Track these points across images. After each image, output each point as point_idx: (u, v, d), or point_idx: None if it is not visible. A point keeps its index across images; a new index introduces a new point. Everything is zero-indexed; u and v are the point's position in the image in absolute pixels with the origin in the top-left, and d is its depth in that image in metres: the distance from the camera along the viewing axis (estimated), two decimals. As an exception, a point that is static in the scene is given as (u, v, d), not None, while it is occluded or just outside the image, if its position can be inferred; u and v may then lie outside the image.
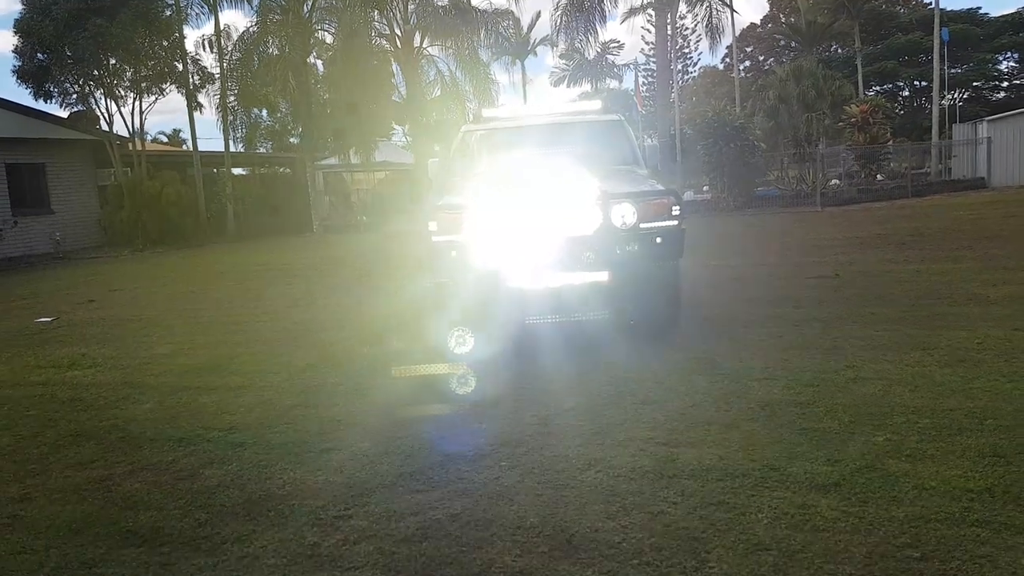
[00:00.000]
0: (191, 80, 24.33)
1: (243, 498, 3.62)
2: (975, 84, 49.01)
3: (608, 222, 5.83)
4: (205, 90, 25.07)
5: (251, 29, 24.48)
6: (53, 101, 22.38)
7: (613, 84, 46.07)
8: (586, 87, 37.85)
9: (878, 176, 26.44)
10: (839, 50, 49.31)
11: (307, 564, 2.95)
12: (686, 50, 57.00)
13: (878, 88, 49.71)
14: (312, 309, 9.31)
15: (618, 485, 3.50)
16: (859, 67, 38.26)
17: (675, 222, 5.99)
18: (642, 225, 5.88)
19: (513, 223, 5.83)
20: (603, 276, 5.85)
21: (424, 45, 25.75)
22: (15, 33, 21.72)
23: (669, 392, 4.90)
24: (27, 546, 3.26)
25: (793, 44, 48.66)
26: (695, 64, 60.23)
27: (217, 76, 24.85)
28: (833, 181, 26.89)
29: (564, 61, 41.87)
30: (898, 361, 5.28)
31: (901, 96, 52.02)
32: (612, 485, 3.50)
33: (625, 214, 5.85)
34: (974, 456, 3.58)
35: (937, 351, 5.48)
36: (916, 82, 48.34)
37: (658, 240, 5.91)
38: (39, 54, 21.40)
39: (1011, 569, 2.62)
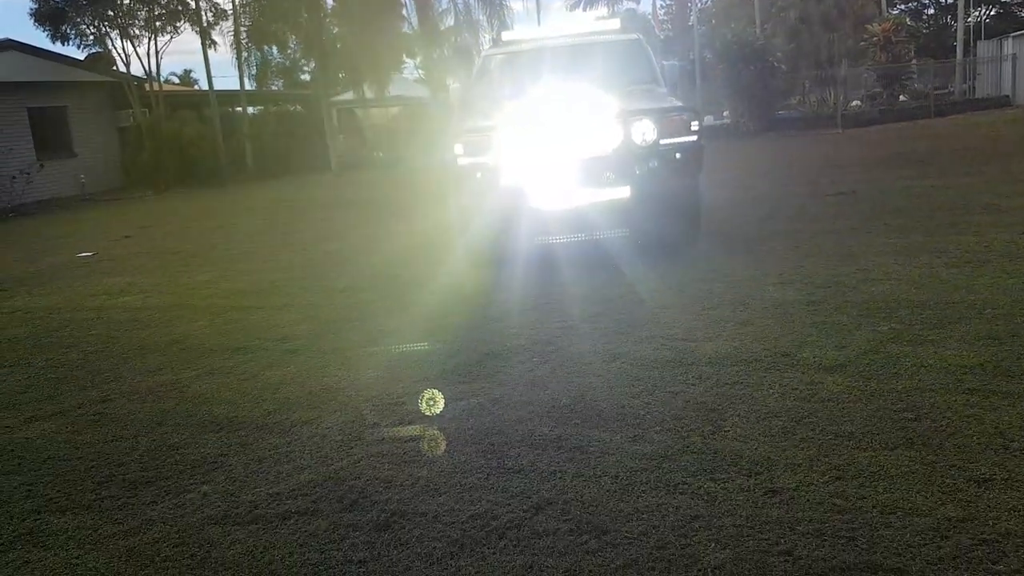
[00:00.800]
0: (204, 17, 24.30)
1: (304, 392, 4.02)
2: (1003, 0, 47.66)
3: (628, 139, 6.07)
4: (218, 27, 25.04)
5: (262, -37, 24.27)
6: (70, 43, 22.62)
7: (630, 6, 45.20)
8: (602, 10, 37.05)
9: (901, 97, 26.11)
10: (861, -32, 47.88)
11: (370, 439, 3.34)
12: (703, -29, 55.52)
13: (902, 6, 48.43)
14: (340, 240, 9.66)
15: (641, 372, 3.85)
16: (881, -16, 37.20)
17: (694, 138, 6.22)
18: (662, 141, 6.12)
19: (536, 143, 6.08)
20: (625, 192, 6.12)
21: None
22: (30, -25, 21.80)
23: (688, 298, 5.22)
24: (117, 435, 3.68)
25: (813, -37, 47.25)
26: (713, -15, 58.68)
27: (230, 12, 24.77)
28: (855, 102, 26.62)
29: (579, -16, 41.00)
30: (907, 263, 5.56)
31: (926, 14, 50.67)
32: (636, 373, 3.85)
33: (645, 131, 6.08)
34: (971, 339, 3.89)
35: (945, 254, 5.75)
36: (941, -1, 47.03)
37: (678, 155, 6.15)
38: (54, -4, 21.49)
39: (993, 423, 2.95)
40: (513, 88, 7.31)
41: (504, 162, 6.11)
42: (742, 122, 23.44)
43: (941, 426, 2.99)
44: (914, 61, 27.65)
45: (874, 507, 2.47)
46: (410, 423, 3.48)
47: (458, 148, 6.25)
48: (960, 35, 26.98)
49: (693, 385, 3.63)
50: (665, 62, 7.51)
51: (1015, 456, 2.71)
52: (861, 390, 3.39)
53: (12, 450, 3.61)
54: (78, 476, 3.25)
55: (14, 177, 19.46)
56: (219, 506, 2.87)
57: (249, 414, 3.78)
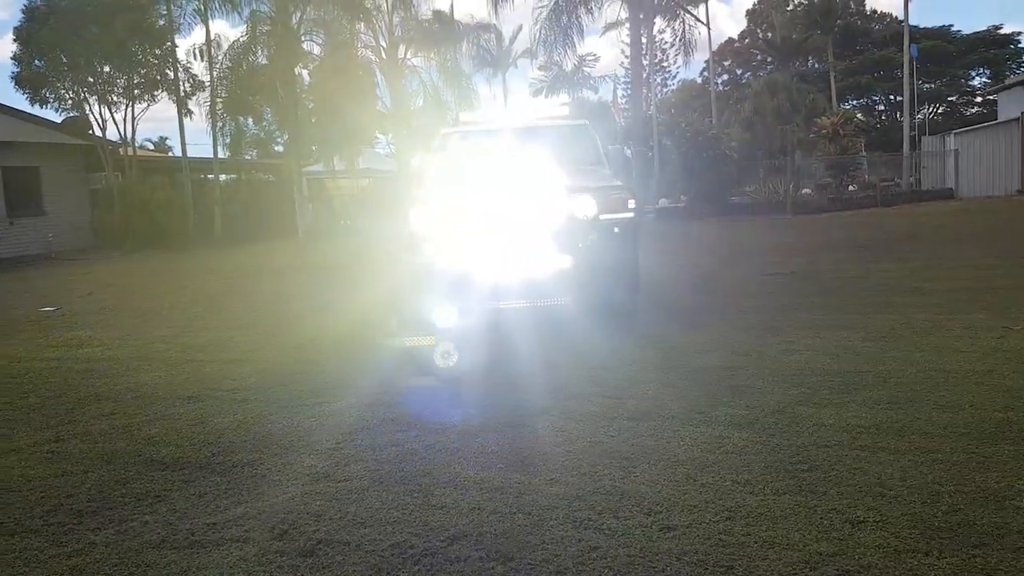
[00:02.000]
0: (182, 88, 24.88)
1: (249, 437, 4.23)
2: (950, 99, 50.37)
3: (571, 214, 6.48)
4: (196, 97, 25.62)
5: (240, 39, 25.07)
6: (49, 107, 22.98)
7: (589, 95, 47.03)
8: (564, 97, 38.66)
9: (850, 187, 27.36)
10: (815, 64, 50.46)
11: (305, 479, 3.56)
12: (664, 63, 58.05)
13: (855, 102, 50.93)
14: (299, 301, 9.90)
15: (568, 425, 4.13)
16: (832, 81, 39.33)
17: (631, 214, 6.65)
18: (601, 216, 6.54)
19: (484, 215, 6.46)
20: (567, 263, 6.50)
21: (408, 56, 26.46)
22: (14, 40, 22.36)
23: (620, 360, 5.55)
24: (68, 471, 3.85)
25: (769, 59, 49.80)
26: (674, 77, 61.26)
27: (207, 84, 25.39)
28: (806, 191, 27.78)
29: (543, 73, 42.77)
30: (828, 337, 5.96)
31: (877, 110, 53.28)
32: (563, 425, 4.14)
33: (586, 206, 6.50)
34: (871, 404, 4.24)
35: (865, 330, 6.16)
36: (891, 96, 49.59)
37: (616, 230, 6.56)
38: (36, 61, 21.93)
39: (876, 474, 3.27)
40: (467, 164, 7.74)
41: (453, 232, 6.46)
42: (696, 206, 24.32)
43: (829, 476, 3.29)
44: (863, 153, 29.04)
45: (755, 543, 2.75)
46: (345, 465, 3.71)
47: (411, 217, 6.60)
48: (906, 131, 28.49)
49: (612, 437, 3.92)
50: (610, 146, 8.00)
51: (890, 502, 3.02)
52: (763, 444, 3.70)
53: (-38, 483, 3.75)
54: (28, 505, 3.41)
55: (-20, 234, 19.49)
56: (158, 533, 3.05)
57: (194, 455, 3.97)
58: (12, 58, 22.51)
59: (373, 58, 26.49)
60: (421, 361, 5.86)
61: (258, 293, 11.07)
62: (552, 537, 2.86)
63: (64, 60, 21.46)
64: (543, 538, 2.85)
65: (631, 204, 6.71)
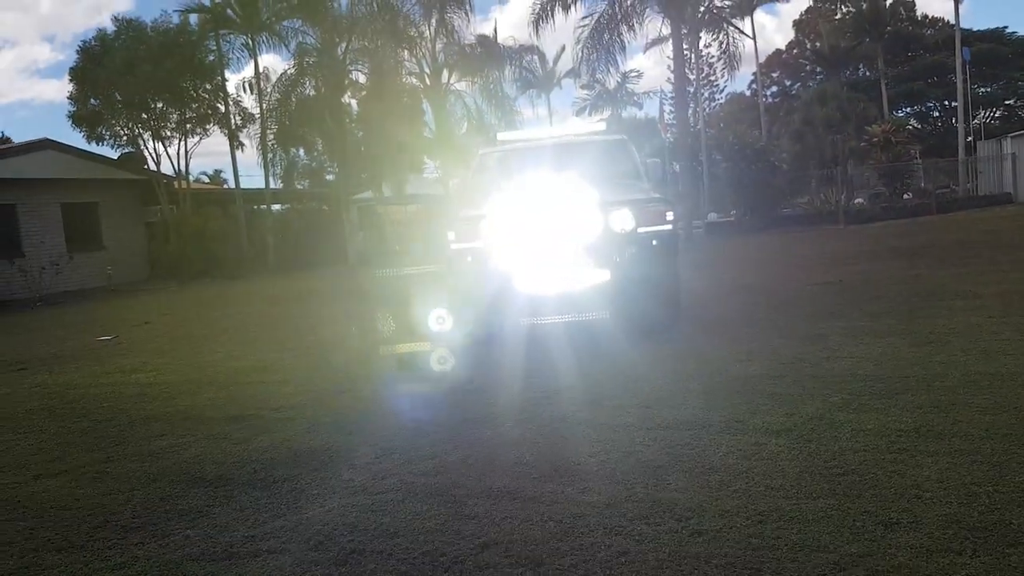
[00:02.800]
0: (233, 120, 25.65)
1: (291, 454, 4.32)
2: (1007, 102, 49.02)
3: (608, 227, 6.50)
4: (246, 130, 26.40)
5: (288, 72, 25.81)
6: (104, 143, 23.87)
7: (634, 111, 46.99)
8: (607, 115, 38.77)
9: (905, 195, 26.77)
10: (866, 72, 49.67)
11: (343, 492, 3.63)
12: (712, 77, 57.72)
13: (908, 109, 49.92)
14: (344, 325, 10.06)
15: (602, 435, 4.13)
16: (883, 89, 38.62)
17: (669, 227, 6.65)
18: (640, 229, 6.55)
19: (522, 230, 6.53)
20: (605, 277, 6.51)
21: (452, 81, 26.85)
22: (70, 80, 23.31)
23: (659, 372, 5.52)
24: (115, 489, 3.99)
25: (818, 69, 49.16)
26: (721, 91, 60.83)
27: (257, 116, 26.16)
28: (858, 200, 27.28)
29: (586, 91, 42.92)
30: (872, 344, 5.85)
31: (931, 116, 52.11)
32: (598, 435, 4.14)
33: (624, 220, 6.52)
34: (913, 408, 4.15)
35: (911, 336, 6.03)
36: (945, 102, 48.45)
37: (654, 243, 6.57)
38: (92, 99, 22.87)
39: (913, 477, 3.20)
40: (506, 181, 7.83)
41: (492, 247, 6.55)
42: (745, 219, 24.06)
43: (864, 479, 3.24)
44: (917, 160, 28.41)
45: (785, 545, 2.72)
46: (382, 478, 3.77)
47: (451, 234, 6.71)
48: (961, 136, 27.81)
49: (647, 446, 3.91)
50: (648, 160, 8.02)
51: (925, 503, 2.96)
52: (800, 450, 3.65)
53: (18, 501, 3.92)
54: (75, 522, 3.55)
55: (43, 268, 20.28)
56: (199, 546, 3.15)
57: (237, 473, 4.08)
58: (68, 97, 23.61)
59: (417, 84, 26.94)
60: (454, 377, 5.93)
61: (305, 318, 11.29)
62: (582, 543, 2.86)
63: (118, 98, 22.33)
64: (573, 544, 2.86)
65: (669, 216, 6.72)
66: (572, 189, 6.72)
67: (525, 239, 6.56)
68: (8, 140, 43.68)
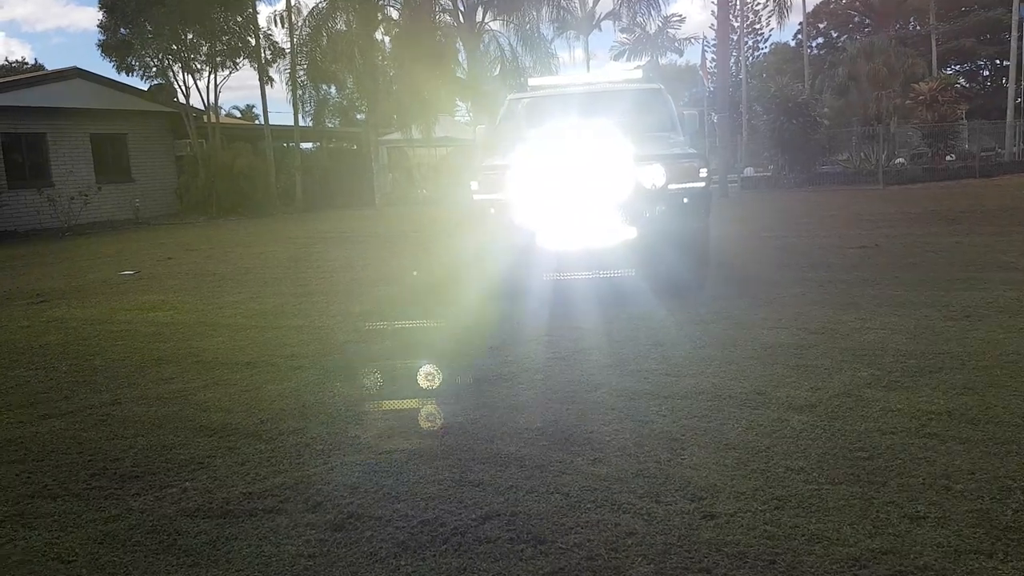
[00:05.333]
0: (263, 55, 25.32)
1: (299, 404, 4.24)
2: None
3: (638, 183, 6.26)
4: (276, 65, 26.06)
5: (320, 5, 25.30)
6: (134, 74, 23.65)
7: (674, 58, 45.74)
8: (645, 62, 37.71)
9: (948, 156, 25.92)
10: (916, 27, 47.85)
11: (348, 449, 3.53)
12: (757, 26, 56.02)
13: (957, 67, 48.16)
14: (368, 269, 9.98)
15: (618, 402, 3.99)
16: (933, 44, 37.17)
17: (702, 184, 6.38)
18: (670, 186, 6.30)
19: (548, 183, 6.31)
20: (632, 234, 6.30)
21: (486, 20, 26.19)
22: (100, 8, 23.07)
23: (683, 336, 5.35)
24: (118, 434, 3.93)
25: (867, 21, 47.44)
26: (766, 40, 59.13)
27: (288, 51, 25.78)
28: (899, 160, 26.48)
29: (625, 36, 41.73)
30: (906, 315, 5.61)
31: (981, 76, 50.28)
32: (612, 402, 3.99)
33: (654, 175, 6.27)
34: (946, 388, 3.95)
35: (947, 308, 5.78)
36: (997, 61, 46.70)
37: (685, 200, 6.32)
38: (122, 29, 22.64)
39: (943, 466, 3.02)
40: (533, 130, 7.57)
41: (517, 199, 6.34)
42: (783, 175, 23.47)
43: (891, 466, 3.06)
44: (963, 120, 27.43)
45: (803, 535, 2.57)
46: (389, 437, 3.66)
47: (474, 184, 6.51)
48: (1011, 97, 26.75)
49: (664, 416, 3.76)
50: (685, 111, 7.69)
51: (955, 497, 2.78)
52: (824, 429, 3.48)
53: (21, 442, 3.88)
54: (75, 468, 3.49)
55: (72, 198, 20.38)
56: (195, 501, 3.07)
57: (243, 422, 4.00)
58: (98, 26, 23.36)
59: (451, 21, 26.33)
60: (471, 337, 5.81)
61: (329, 260, 11.21)
62: (588, 520, 2.74)
63: (148, 27, 22.05)
64: (578, 520, 2.74)
65: (703, 173, 6.45)
66: (602, 141, 6.47)
67: (551, 192, 6.34)
68: (41, 68, 43.77)
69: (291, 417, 4.03)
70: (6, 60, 48.59)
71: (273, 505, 2.99)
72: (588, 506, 2.84)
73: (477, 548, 2.59)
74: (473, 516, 2.80)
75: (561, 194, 6.34)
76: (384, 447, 3.54)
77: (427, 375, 4.68)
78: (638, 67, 11.02)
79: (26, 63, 49.18)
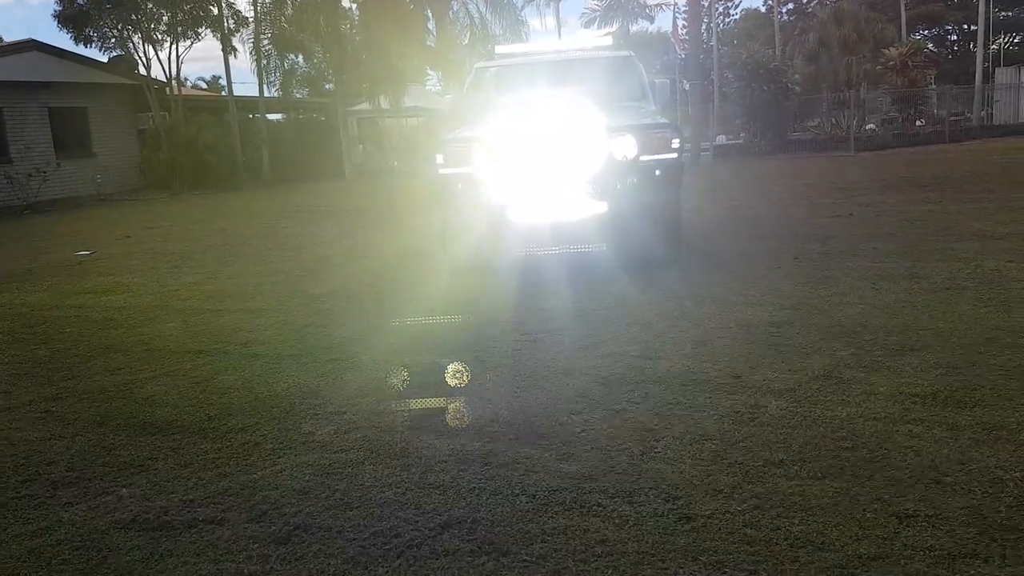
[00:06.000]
0: (226, 23, 24.58)
1: (251, 398, 3.99)
2: (1028, 27, 47.19)
3: (608, 154, 6.02)
4: (240, 34, 25.31)
5: (283, -30, 24.52)
6: (93, 46, 22.89)
7: (645, 25, 45.27)
8: (615, 29, 37.24)
9: (917, 122, 25.90)
10: (885, -9, 47.65)
11: (300, 448, 3.30)
12: (727, -8, 55.59)
13: (925, 32, 48.12)
14: (334, 246, 9.68)
15: (591, 389, 3.78)
16: (902, 10, 37.02)
17: (674, 155, 6.16)
18: (642, 158, 6.07)
19: (516, 155, 6.05)
20: (603, 208, 6.07)
21: (455, -14, 25.57)
22: (54, -22, 22.20)
23: (656, 315, 5.15)
24: (56, 434, 3.66)
25: (837, -15, 47.17)
26: (737, 7, 58.74)
27: (251, 20, 25.04)
28: (870, 126, 26.44)
29: (596, 2, 41.17)
30: (885, 288, 5.46)
31: (949, 40, 50.35)
32: (584, 388, 3.79)
33: (625, 146, 6.03)
34: (930, 368, 3.79)
35: (926, 280, 5.64)
36: (965, 26, 46.74)
37: (657, 172, 6.09)
38: (78, -1, 21.85)
39: (930, 456, 2.86)
40: (501, 100, 7.29)
41: (484, 173, 6.08)
42: (755, 143, 23.33)
43: (876, 456, 2.89)
44: (932, 86, 27.40)
45: (785, 539, 2.39)
46: (345, 432, 3.43)
47: (439, 158, 6.23)
48: (979, 62, 26.74)
49: (637, 404, 3.56)
50: (656, 79, 7.44)
51: (945, 491, 2.62)
52: (804, 416, 3.31)
53: (-51, 445, 3.60)
54: (5, 474, 3.23)
55: (30, 175, 19.71)
56: (131, 510, 2.83)
57: (190, 418, 3.75)
58: (54, -4, 22.51)
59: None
60: (438, 311, 5.58)
61: (294, 236, 10.88)
62: (555, 527, 2.54)
63: (107, -3, 21.30)
64: (544, 527, 2.54)
65: (675, 144, 6.23)
66: (572, 111, 6.22)
67: (519, 165, 6.09)
68: (-3, 39, 42.31)
69: (241, 412, 3.78)
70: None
71: (214, 515, 2.75)
72: (556, 510, 2.64)
73: (433, 563, 2.38)
74: (431, 525, 2.59)
75: (529, 167, 6.09)
76: (339, 445, 3.31)
77: (388, 363, 4.44)
78: (608, 34, 10.72)
79: (-20, 35, 47.47)
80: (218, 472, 3.11)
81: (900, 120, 25.53)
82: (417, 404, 3.74)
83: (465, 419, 3.50)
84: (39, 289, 7.73)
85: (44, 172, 20.11)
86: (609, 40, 8.27)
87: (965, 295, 5.15)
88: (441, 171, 6.24)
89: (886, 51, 26.54)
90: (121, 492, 2.99)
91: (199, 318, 5.92)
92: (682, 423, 3.30)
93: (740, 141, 25.31)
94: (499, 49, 8.44)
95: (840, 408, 3.36)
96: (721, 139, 25.64)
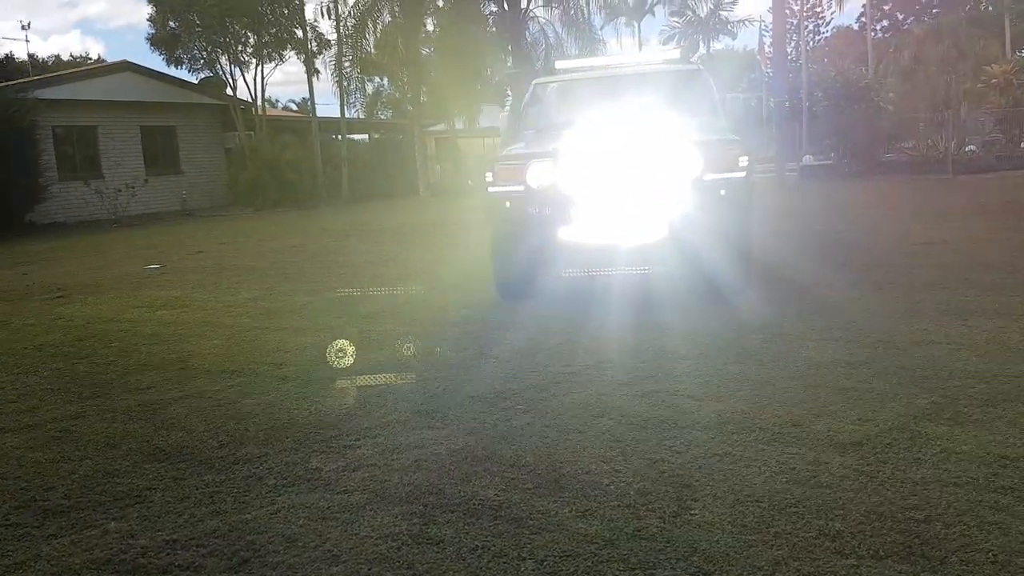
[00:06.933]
0: (309, 46, 25.14)
1: (268, 425, 3.77)
2: None
3: (670, 172, 5.64)
4: (322, 56, 25.86)
5: (365, -4, 24.94)
6: (183, 67, 23.75)
7: (728, 42, 44.35)
8: (700, 48, 36.52)
9: (1023, 144, 24.29)
10: (988, 7, 45.36)
11: (303, 486, 3.04)
12: (818, 9, 53.97)
13: (1033, 49, 45.53)
14: (393, 264, 9.54)
15: (626, 432, 3.41)
16: (1007, 25, 35.11)
17: (742, 174, 5.72)
18: (706, 176, 5.66)
19: (571, 174, 5.73)
20: (663, 229, 5.68)
21: (531, 8, 25.51)
22: (149, 3, 23.16)
23: (715, 349, 4.72)
24: (66, 456, 3.52)
25: (935, 1, 45.27)
26: (828, 24, 56.93)
27: (334, 43, 25.55)
28: (970, 148, 24.95)
29: (675, 19, 40.51)
30: (976, 327, 4.89)
31: (1060, 58, 47.46)
32: (620, 432, 3.42)
33: (689, 163, 5.64)
34: (1023, 423, 3.27)
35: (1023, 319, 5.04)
36: (1078, 42, 43.98)
37: (722, 192, 5.67)
38: (170, 22, 22.69)
39: (1021, 538, 2.39)
40: (558, 117, 6.99)
41: (535, 193, 5.78)
42: (844, 164, 22.32)
43: (952, 534, 2.44)
44: (1040, 106, 25.72)
45: (834, 634, 1.98)
46: (354, 470, 3.16)
47: (488, 176, 5.97)
48: (1095, 80, 24.93)
49: (678, 453, 3.17)
50: (728, 95, 7.00)
51: (1037, 582, 2.16)
52: (870, 476, 2.86)
53: (-42, 464, 3.50)
54: (2, 497, 3.09)
55: (119, 190, 20.48)
56: (111, 548, 2.62)
57: (201, 445, 3.55)
58: (148, 19, 23.47)
59: (496, 10, 25.74)
60: (482, 339, 5.29)
61: (358, 253, 10.81)
62: (561, 600, 2.19)
63: (196, 20, 22.03)
64: (549, 600, 2.19)
65: (743, 162, 5.78)
66: (632, 128, 5.87)
67: (574, 183, 5.76)
68: (100, 60, 44.64)
69: (254, 441, 3.56)
70: (71, 55, 49.64)
71: (193, 559, 2.51)
72: (565, 580, 2.30)
73: (415, 637, 2.06)
74: (421, 589, 2.28)
75: (586, 185, 5.75)
76: (344, 484, 3.03)
77: (413, 393, 4.17)
78: (677, 48, 10.31)
79: (89, 58, 50.22)
80: (212, 509, 2.88)
81: (1003, 142, 23.97)
82: (436, 440, 3.44)
83: (483, 461, 3.18)
84: (100, 302, 7.81)
85: (132, 188, 20.86)
86: (677, 53, 7.88)
87: (1071, 336, 4.55)
88: (491, 189, 5.97)
89: (988, 69, 25.08)
90: (109, 526, 2.79)
91: (242, 336, 5.80)
92: (726, 480, 2.90)
93: (829, 161, 24.23)
94: (559, 64, 8.12)
95: (913, 469, 2.90)
96: (808, 159, 24.56)
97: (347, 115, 26.47)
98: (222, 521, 2.78)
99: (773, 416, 3.52)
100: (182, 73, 24.02)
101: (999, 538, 2.39)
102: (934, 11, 44.41)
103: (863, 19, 46.57)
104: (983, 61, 26.69)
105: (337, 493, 2.96)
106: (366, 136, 31.59)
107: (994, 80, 23.77)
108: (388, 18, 24.55)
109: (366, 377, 4.51)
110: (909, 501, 2.66)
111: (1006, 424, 3.28)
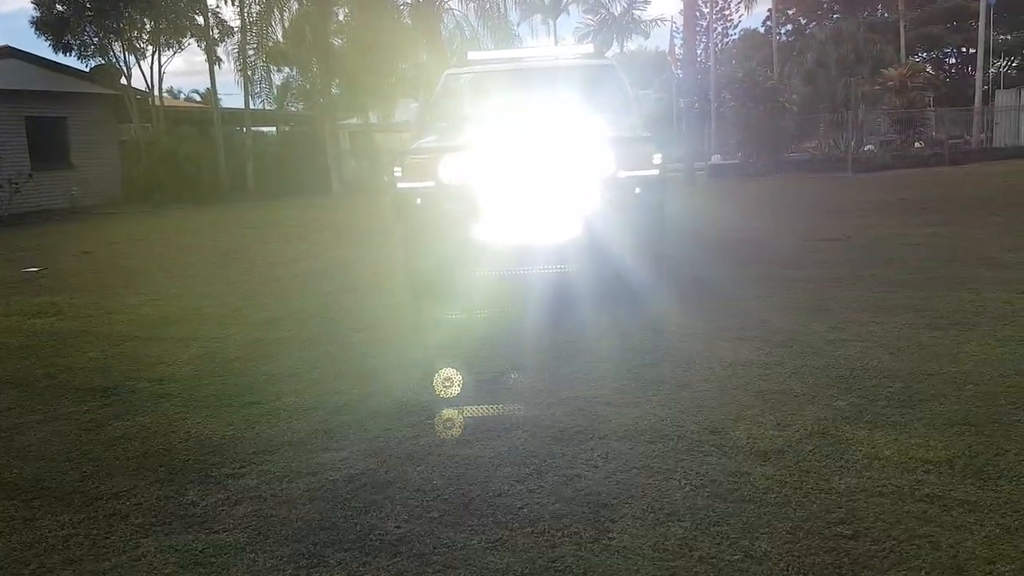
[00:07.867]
0: (210, 33, 24.05)
1: (140, 451, 3.37)
2: (1025, 52, 46.92)
3: (583, 170, 5.44)
4: (225, 44, 24.78)
5: (272, -18, 24.04)
6: (72, 54, 22.29)
7: (641, 42, 44.99)
8: (614, 46, 36.82)
9: (916, 144, 25.39)
10: (884, 14, 47.40)
11: (174, 525, 2.68)
12: (726, 11, 55.33)
13: (923, 55, 47.84)
14: (299, 264, 9.09)
15: (540, 447, 3.17)
16: (901, 31, 36.71)
17: (655, 171, 5.57)
18: (620, 174, 5.48)
19: (483, 170, 5.46)
20: (576, 228, 5.48)
21: (446, 1, 25.16)
22: (32, -19, 21.69)
23: (630, 350, 4.55)
24: (-103, 494, 3.04)
25: (836, 7, 47.07)
26: (735, 26, 58.45)
27: (237, 30, 24.53)
28: (868, 147, 25.93)
29: (590, 17, 40.80)
30: (886, 323, 4.87)
31: (948, 63, 50.09)
32: (534, 447, 3.18)
33: (602, 161, 5.45)
34: (942, 424, 3.19)
35: (931, 313, 5.06)
36: (964, 49, 46.50)
37: (637, 190, 5.50)
38: (58, 4, 21.25)
39: (951, 550, 2.26)
40: (469, 109, 6.72)
41: (447, 189, 5.49)
42: (750, 162, 22.84)
43: (882, 551, 2.29)
44: (931, 108, 26.95)
45: None
46: (236, 503, 2.82)
47: (397, 171, 5.64)
48: (979, 84, 26.32)
49: (596, 467, 2.95)
50: (640, 91, 6.87)
51: (974, 606, 2.02)
52: (794, 487, 2.70)
53: None
54: None
55: (1, 187, 19.06)
56: (-67, 613, 2.21)
57: (60, 479, 3.13)
58: (32, 1, 21.88)
59: (409, 1, 25.24)
60: (388, 344, 4.98)
61: (260, 254, 10.27)
62: (464, 652, 1.92)
63: (87, 3, 20.70)
64: (451, 652, 1.93)
65: (656, 160, 5.62)
66: (544, 122, 5.66)
67: (486, 179, 5.49)
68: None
69: (122, 471, 3.16)
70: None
71: (33, 624, 2.14)
72: (469, 625, 2.03)
73: None
74: (304, 646, 1.98)
75: (496, 182, 5.50)
76: (222, 522, 2.69)
77: (307, 410, 3.82)
78: (589, 43, 10.19)
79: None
80: (64, 557, 2.50)
81: (899, 142, 25.00)
82: (333, 464, 3.12)
83: (385, 487, 2.89)
84: (-32, 310, 7.11)
85: (15, 184, 19.44)
86: (591, 48, 7.72)
87: (977, 332, 4.57)
88: (400, 185, 5.64)
89: (884, 72, 26.08)
90: (-67, 584, 2.37)
91: (122, 347, 5.30)
92: (645, 496, 2.69)
93: (736, 161, 24.76)
94: (471, 55, 7.84)
95: (837, 478, 2.76)
96: (716, 158, 25.07)
97: (253, 106, 25.49)
98: (74, 571, 2.40)
99: (691, 422, 3.35)
100: (71, 60, 22.59)
101: (930, 553, 2.26)
102: (835, 16, 46.14)
103: (769, 23, 47.98)
104: (880, 64, 27.77)
105: (213, 532, 2.61)
106: (275, 129, 30.53)
107: (890, 83, 24.71)
108: (296, 5, 23.75)
109: (255, 392, 4.13)
110: (835, 515, 2.51)
111: (924, 426, 3.19)
